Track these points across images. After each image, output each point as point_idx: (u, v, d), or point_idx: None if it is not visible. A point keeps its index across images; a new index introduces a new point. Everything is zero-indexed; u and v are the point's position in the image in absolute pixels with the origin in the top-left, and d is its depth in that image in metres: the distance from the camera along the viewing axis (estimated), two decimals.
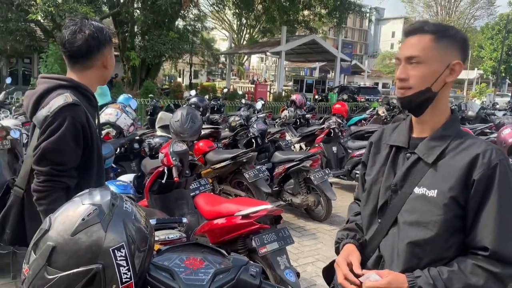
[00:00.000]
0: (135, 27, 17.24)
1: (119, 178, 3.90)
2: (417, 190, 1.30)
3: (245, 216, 2.86)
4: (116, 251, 1.12)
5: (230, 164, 5.10)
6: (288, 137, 8.09)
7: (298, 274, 2.86)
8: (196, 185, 4.25)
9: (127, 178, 4.07)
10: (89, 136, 1.80)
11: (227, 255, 1.42)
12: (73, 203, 1.17)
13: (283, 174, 5.54)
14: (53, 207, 1.69)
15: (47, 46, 14.38)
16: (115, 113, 3.26)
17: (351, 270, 1.37)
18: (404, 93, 1.33)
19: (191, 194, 3.84)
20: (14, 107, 7.14)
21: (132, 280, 1.16)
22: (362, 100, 20.66)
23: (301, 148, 8.21)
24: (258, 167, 5.19)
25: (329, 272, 1.59)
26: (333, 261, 1.50)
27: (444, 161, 1.29)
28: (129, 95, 7.73)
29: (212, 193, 5.29)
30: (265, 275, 2.89)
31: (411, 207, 1.31)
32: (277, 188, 5.64)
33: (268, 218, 2.96)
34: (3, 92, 7.73)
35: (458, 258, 1.26)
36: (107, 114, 3.29)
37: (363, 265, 1.42)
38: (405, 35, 1.37)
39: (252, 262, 1.44)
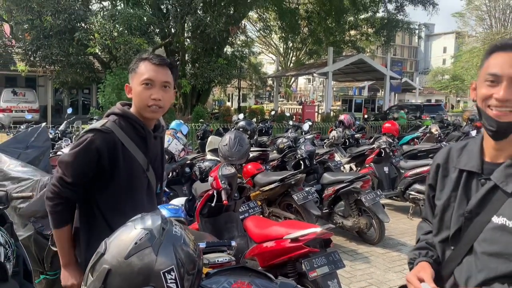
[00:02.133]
0: (186, 55, 17.91)
1: (171, 202, 4.01)
2: (496, 220, 1.24)
3: (294, 240, 2.84)
4: (166, 274, 1.16)
5: (278, 186, 5.10)
6: (337, 158, 7.98)
7: None
8: (245, 207, 4.29)
9: (179, 201, 4.17)
10: (111, 162, 1.86)
11: (274, 279, 1.42)
12: (127, 227, 1.24)
13: (333, 196, 5.45)
14: (55, 210, 1.86)
15: (105, 77, 15.24)
16: (167, 139, 3.39)
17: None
18: (502, 116, 1.22)
19: (241, 217, 3.88)
20: (74, 136, 7.60)
21: None
22: (427, 118, 19.51)
23: (351, 169, 8.07)
24: (307, 189, 5.14)
25: None
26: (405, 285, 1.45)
27: None
28: (181, 120, 8.01)
29: (261, 215, 5.31)
30: None
31: (491, 237, 1.25)
32: (327, 211, 5.55)
33: (317, 241, 2.92)
34: (65, 122, 8.27)
35: None
36: None
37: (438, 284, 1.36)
38: (503, 49, 1.24)
39: (300, 286, 1.44)
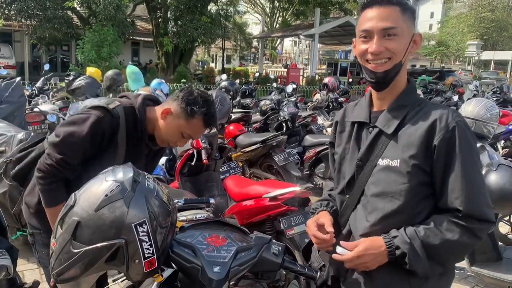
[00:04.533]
0: (168, 12, 17.37)
1: None
2: (381, 162, 1.31)
3: (272, 198, 2.86)
4: (138, 226, 1.15)
5: (260, 147, 5.10)
6: (320, 121, 7.99)
7: None
8: (226, 168, 4.29)
9: (160, 161, 4.15)
10: (101, 148, 1.80)
11: (249, 233, 1.42)
12: (97, 179, 1.21)
13: (314, 157, 5.49)
14: (49, 188, 1.77)
15: (84, 33, 14.74)
16: None
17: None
18: (379, 67, 1.30)
19: (221, 177, 3.88)
20: (52, 93, 7.40)
21: (155, 255, 1.19)
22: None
23: None
24: (288, 150, 5.16)
25: (308, 251, 1.64)
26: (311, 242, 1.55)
27: (403, 130, 1.30)
28: (162, 80, 7.85)
29: (242, 176, 5.34)
30: (293, 256, 2.90)
31: (377, 179, 1.32)
32: (307, 172, 5.61)
33: (296, 200, 2.94)
34: (42, 79, 8.03)
35: (434, 216, 1.28)
36: None
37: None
38: (369, 5, 1.31)
39: (275, 241, 1.44)
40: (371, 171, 1.34)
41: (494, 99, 10.54)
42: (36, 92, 7.33)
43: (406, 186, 1.26)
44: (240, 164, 5.28)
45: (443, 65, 38.22)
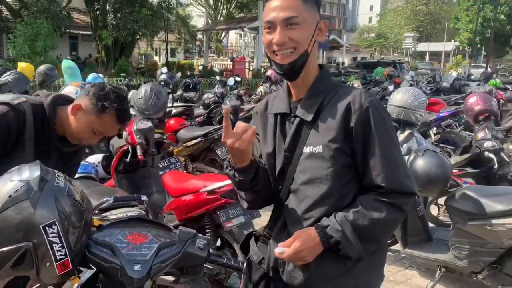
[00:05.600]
0: (107, 4, 16.72)
1: (87, 159, 3.82)
2: (306, 150, 1.33)
3: (210, 192, 2.84)
4: (47, 228, 1.09)
5: (201, 141, 5.06)
6: None
7: None
8: (166, 163, 4.21)
9: (95, 158, 3.98)
10: (4, 147, 1.69)
11: (173, 229, 1.40)
12: (1, 180, 1.13)
13: None
14: None
15: (15, 26, 13.87)
16: (74, 91, 3.15)
17: None
18: (284, 58, 1.30)
19: (161, 172, 3.80)
20: None
21: (68, 257, 1.13)
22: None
23: None
24: None
25: (246, 246, 1.62)
26: (249, 235, 1.59)
27: (322, 116, 1.32)
28: (100, 74, 7.54)
29: (185, 171, 5.27)
30: (233, 249, 2.90)
31: (304, 167, 1.34)
32: None
33: (234, 193, 2.92)
34: None
35: (360, 197, 1.31)
36: (66, 92, 3.18)
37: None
38: None
39: (200, 235, 1.43)
40: (298, 160, 1.35)
41: (428, 88, 11.14)
42: None
43: (330, 171, 1.29)
44: (182, 159, 5.20)
45: (382, 56, 39.75)
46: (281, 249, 1.29)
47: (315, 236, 1.28)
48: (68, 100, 1.91)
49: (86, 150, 4.11)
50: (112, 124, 1.80)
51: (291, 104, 1.41)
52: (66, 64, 6.07)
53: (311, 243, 1.27)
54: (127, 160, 3.25)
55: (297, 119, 1.36)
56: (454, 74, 18.77)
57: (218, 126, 5.32)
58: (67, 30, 19.79)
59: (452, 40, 41.10)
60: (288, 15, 1.27)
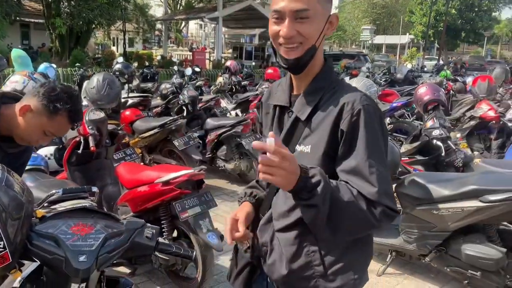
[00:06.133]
0: None
1: (38, 152, 3.68)
2: (298, 148, 1.28)
3: (165, 183, 2.81)
4: None
5: (158, 132, 4.98)
6: (223, 104, 8.02)
7: (221, 237, 2.89)
8: (122, 155, 4.12)
9: (48, 151, 3.85)
10: None
11: (120, 219, 1.38)
12: None
13: (215, 140, 5.51)
14: None
15: None
16: (22, 80, 3.01)
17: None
18: (290, 52, 1.22)
19: (116, 164, 3.72)
20: None
21: (7, 250, 1.10)
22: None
23: (236, 115, 8.18)
24: (188, 134, 5.12)
25: None
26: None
27: (316, 115, 1.25)
28: (52, 64, 7.25)
29: (142, 163, 5.19)
30: (189, 239, 2.90)
31: None
32: (210, 155, 5.62)
33: (189, 183, 2.93)
34: None
35: (348, 184, 1.20)
36: (12, 82, 3.03)
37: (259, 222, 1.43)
38: None
39: (148, 224, 1.42)
40: None
41: (383, 79, 11.46)
42: None
43: None
44: (139, 151, 5.11)
45: (341, 49, 40.48)
46: (271, 141, 1.03)
47: (298, 169, 1.09)
48: (13, 98, 1.82)
49: (34, 149, 3.97)
50: (65, 124, 1.75)
51: (292, 97, 1.35)
52: (16, 53, 5.80)
53: (293, 166, 1.08)
54: (79, 151, 3.16)
55: (294, 115, 1.31)
56: (409, 66, 19.38)
57: (175, 117, 5.27)
58: (18, 18, 18.84)
59: (407, 33, 42.42)
60: (299, 7, 1.17)
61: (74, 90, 1.79)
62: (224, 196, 5.04)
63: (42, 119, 1.69)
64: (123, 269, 2.79)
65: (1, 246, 1.08)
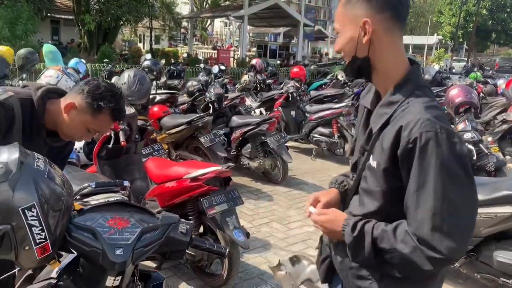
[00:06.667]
0: None
1: None
2: (369, 160, 1.26)
3: (193, 179, 2.83)
4: (26, 211, 1.07)
5: (185, 129, 5.02)
6: (248, 102, 8.03)
7: (247, 234, 2.89)
8: (150, 150, 4.17)
9: (78, 145, 3.93)
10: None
11: (156, 214, 1.39)
12: None
13: (240, 138, 5.52)
14: None
15: None
16: (56, 75, 3.07)
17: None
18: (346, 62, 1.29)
19: (144, 159, 3.76)
20: None
21: (48, 241, 1.12)
22: None
23: (261, 113, 8.18)
24: (214, 131, 5.14)
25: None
26: None
27: (386, 130, 1.20)
28: (82, 59, 7.40)
29: (168, 158, 5.23)
30: (215, 236, 2.91)
31: (366, 175, 1.29)
32: (234, 153, 5.63)
33: (217, 180, 2.94)
34: None
35: (401, 221, 1.19)
36: (47, 76, 3.10)
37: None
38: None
39: (183, 220, 1.42)
40: (365, 164, 1.29)
41: None
42: None
43: (380, 190, 1.23)
44: (166, 147, 5.16)
45: None
46: (312, 209, 1.38)
47: (339, 224, 1.28)
48: (58, 92, 1.85)
49: None
50: (107, 122, 1.76)
51: (378, 101, 1.31)
52: (48, 48, 5.96)
53: (333, 226, 1.30)
54: (110, 146, 3.22)
55: (370, 125, 1.30)
56: (436, 67, 18.96)
57: (202, 114, 5.29)
58: (49, 14, 19.32)
59: (435, 34, 41.55)
60: (335, 26, 1.27)
61: (118, 88, 1.80)
62: (248, 194, 5.04)
63: (86, 116, 1.71)
64: (148, 263, 2.83)
65: (43, 237, 1.10)
